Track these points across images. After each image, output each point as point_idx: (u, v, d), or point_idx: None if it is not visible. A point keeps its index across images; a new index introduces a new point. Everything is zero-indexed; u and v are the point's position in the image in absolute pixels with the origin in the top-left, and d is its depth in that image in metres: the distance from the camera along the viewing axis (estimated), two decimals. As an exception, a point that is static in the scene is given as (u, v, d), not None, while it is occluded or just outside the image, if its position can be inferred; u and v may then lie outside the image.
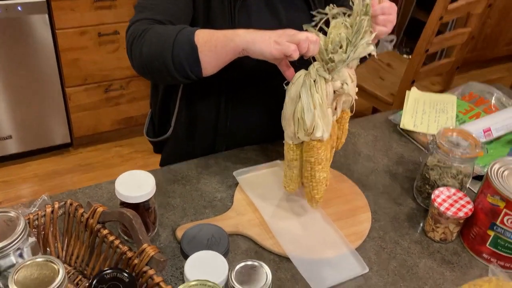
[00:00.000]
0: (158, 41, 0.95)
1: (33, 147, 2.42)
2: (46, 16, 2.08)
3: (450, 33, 2.19)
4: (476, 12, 2.19)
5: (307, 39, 0.83)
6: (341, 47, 0.85)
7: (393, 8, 0.98)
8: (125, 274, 0.71)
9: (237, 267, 0.80)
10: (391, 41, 3.74)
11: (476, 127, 1.22)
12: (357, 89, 0.99)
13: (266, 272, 0.79)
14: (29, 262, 0.67)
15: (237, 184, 1.10)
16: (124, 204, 0.90)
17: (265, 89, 1.15)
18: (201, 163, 1.16)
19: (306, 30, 0.88)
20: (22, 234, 0.72)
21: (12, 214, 0.74)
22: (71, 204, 0.88)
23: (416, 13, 3.54)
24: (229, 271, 0.79)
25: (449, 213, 0.96)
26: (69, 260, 0.89)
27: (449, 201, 0.98)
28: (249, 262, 0.80)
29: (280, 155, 1.10)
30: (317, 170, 0.93)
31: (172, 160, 1.17)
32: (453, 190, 1.01)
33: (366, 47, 0.87)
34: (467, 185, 1.08)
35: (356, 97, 0.99)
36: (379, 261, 0.96)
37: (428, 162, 1.07)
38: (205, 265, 0.79)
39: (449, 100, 1.39)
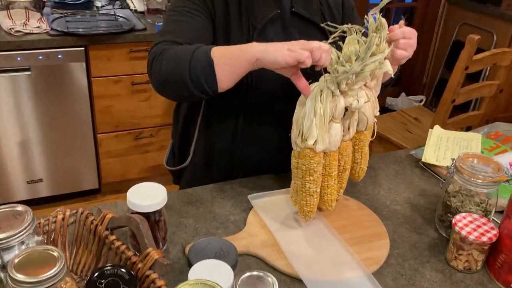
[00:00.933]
0: (176, 57, 1.00)
1: (62, 191, 2.47)
2: (84, 64, 2.20)
3: (476, 85, 2.19)
4: (503, 64, 2.18)
5: (320, 48, 0.85)
6: (350, 61, 0.86)
7: (413, 33, 1.00)
8: (125, 271, 0.70)
9: (243, 276, 0.77)
10: (421, 101, 3.75)
11: (501, 160, 1.18)
12: (378, 113, 0.99)
13: (273, 283, 0.76)
14: (29, 250, 0.67)
15: (251, 208, 1.08)
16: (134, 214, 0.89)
17: (282, 116, 1.15)
18: (217, 188, 1.16)
19: None
20: (29, 227, 0.72)
21: (21, 208, 0.75)
22: (82, 213, 0.89)
23: (445, 74, 3.56)
24: (234, 280, 0.76)
25: (472, 237, 0.91)
26: (76, 269, 0.88)
27: (472, 226, 0.94)
28: (255, 273, 0.78)
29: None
30: (307, 181, 0.92)
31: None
32: (476, 216, 0.96)
33: (379, 64, 0.88)
34: (492, 216, 1.02)
35: (375, 120, 0.99)
36: (396, 286, 0.91)
37: (449, 188, 1.03)
38: (209, 272, 0.77)
39: (473, 138, 1.36)
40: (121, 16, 2.38)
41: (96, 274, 0.69)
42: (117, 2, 2.61)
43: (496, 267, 0.93)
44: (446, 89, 2.12)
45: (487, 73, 3.10)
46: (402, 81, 3.97)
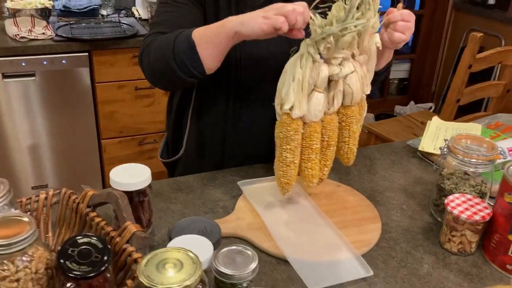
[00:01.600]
0: (161, 46, 1.01)
1: (67, 197, 2.47)
2: (88, 69, 2.23)
3: (481, 84, 2.15)
4: (509, 63, 2.15)
5: (294, 10, 0.84)
6: (331, 25, 0.85)
7: (412, 15, 0.99)
8: (97, 240, 0.68)
9: (222, 250, 0.75)
10: (430, 108, 3.71)
11: (501, 145, 1.14)
12: (368, 91, 0.97)
13: (252, 256, 0.74)
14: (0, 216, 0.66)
15: (241, 194, 1.06)
16: (118, 195, 0.88)
17: (272, 99, 1.15)
18: (208, 176, 1.15)
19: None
20: (4, 197, 0.71)
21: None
22: (65, 193, 0.88)
23: (453, 80, 3.52)
24: (213, 253, 0.74)
25: (464, 216, 0.87)
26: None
27: (465, 205, 0.90)
28: (235, 247, 0.76)
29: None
30: (284, 149, 0.90)
31: (183, 179, 1.17)
32: (469, 196, 0.93)
33: (362, 27, 0.86)
34: (487, 199, 0.99)
35: (364, 95, 0.96)
36: (386, 268, 0.88)
37: (444, 171, 1.01)
38: (189, 246, 0.75)
39: (473, 128, 1.33)
40: (125, 23, 2.41)
41: (68, 242, 0.67)
42: (123, 11, 2.65)
43: (491, 248, 0.90)
44: (450, 89, 2.09)
45: (497, 74, 3.06)
46: (411, 89, 3.94)
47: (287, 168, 0.92)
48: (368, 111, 3.82)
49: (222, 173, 1.16)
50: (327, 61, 0.87)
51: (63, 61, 2.17)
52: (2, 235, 0.62)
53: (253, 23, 0.87)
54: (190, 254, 0.65)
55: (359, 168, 1.21)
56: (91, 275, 0.64)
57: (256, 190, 1.07)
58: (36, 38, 2.15)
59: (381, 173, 1.20)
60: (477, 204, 0.91)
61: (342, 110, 0.93)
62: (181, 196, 1.07)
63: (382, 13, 0.98)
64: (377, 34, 0.92)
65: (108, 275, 0.68)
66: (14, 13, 2.25)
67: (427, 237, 0.97)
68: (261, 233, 0.94)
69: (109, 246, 0.68)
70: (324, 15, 0.88)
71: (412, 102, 3.81)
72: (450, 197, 0.93)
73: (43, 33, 2.18)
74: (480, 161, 0.94)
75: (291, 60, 0.88)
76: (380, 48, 0.93)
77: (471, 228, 0.89)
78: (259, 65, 1.11)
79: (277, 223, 0.97)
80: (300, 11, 0.84)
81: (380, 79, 1.22)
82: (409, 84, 3.96)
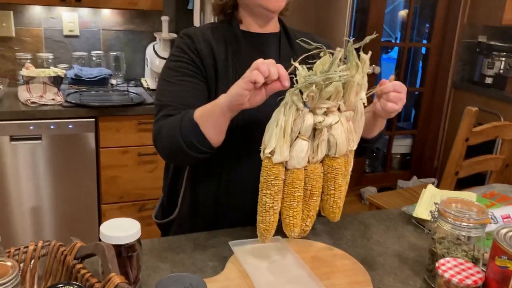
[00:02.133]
0: (169, 133, 1.08)
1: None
2: (93, 134, 2.29)
3: (479, 158, 2.17)
4: (507, 138, 2.18)
5: (264, 62, 0.90)
6: (316, 75, 0.90)
7: (403, 87, 1.04)
8: (77, 287, 0.68)
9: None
10: (433, 183, 3.70)
11: (495, 212, 1.15)
12: (354, 146, 1.00)
13: None
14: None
15: (232, 255, 1.05)
16: (106, 249, 0.88)
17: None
18: (200, 236, 1.14)
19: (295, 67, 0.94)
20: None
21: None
22: (54, 245, 0.88)
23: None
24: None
25: (455, 280, 0.86)
26: (42, 303, 0.86)
27: (456, 269, 0.89)
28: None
29: (283, 233, 1.06)
30: (264, 194, 0.91)
31: (176, 239, 1.17)
32: (461, 261, 0.92)
33: (344, 79, 0.90)
34: (480, 265, 0.97)
35: (350, 149, 0.99)
36: (377, 333, 0.85)
37: (435, 236, 1.00)
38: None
39: (467, 196, 1.33)
40: (133, 92, 2.51)
41: (49, 290, 0.67)
42: (132, 81, 2.76)
43: (485, 315, 0.87)
44: (448, 161, 2.11)
45: (499, 148, 3.08)
46: (413, 164, 3.97)
47: (266, 213, 0.92)
48: (370, 185, 3.82)
49: (214, 233, 1.16)
50: (312, 111, 0.91)
51: (70, 126, 2.23)
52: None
53: (236, 89, 0.94)
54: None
55: (353, 233, 1.20)
56: (68, 323, 0.63)
57: (247, 251, 1.06)
58: (46, 103, 2.23)
59: (375, 238, 1.19)
60: (469, 268, 0.90)
61: (327, 161, 0.95)
62: (171, 255, 1.06)
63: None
64: (363, 92, 0.97)
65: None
66: (28, 81, 2.36)
67: (420, 303, 0.94)
68: (249, 294, 0.92)
69: (89, 295, 0.68)
70: (312, 70, 0.93)
71: (415, 177, 3.82)
72: (441, 261, 0.91)
73: (53, 99, 2.27)
74: (471, 224, 0.94)
75: (278, 108, 0.92)
76: (365, 103, 0.97)
77: (463, 293, 0.87)
78: (256, 128, 1.15)
79: (266, 285, 0.95)
80: (270, 62, 0.91)
81: (372, 148, 1.25)
82: (412, 159, 3.99)
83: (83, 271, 0.80)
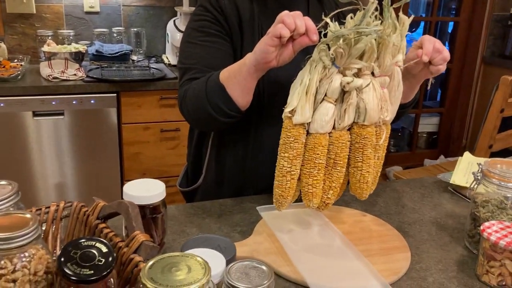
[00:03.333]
0: (194, 96, 1.03)
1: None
2: (115, 110, 2.26)
3: (515, 130, 2.07)
4: (543, 110, 2.07)
5: (289, 14, 0.83)
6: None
7: (441, 44, 0.96)
8: (102, 244, 0.64)
9: (236, 264, 0.69)
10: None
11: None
12: (388, 116, 0.92)
13: (268, 272, 0.68)
14: (3, 212, 0.63)
15: (260, 220, 1.01)
16: (130, 210, 0.85)
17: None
18: (226, 202, 1.10)
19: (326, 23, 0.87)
20: (11, 197, 0.69)
21: (4, 182, 0.72)
22: (77, 205, 0.85)
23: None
24: (226, 267, 0.69)
25: (503, 242, 0.80)
26: (65, 264, 0.83)
27: (503, 232, 0.83)
28: (249, 262, 0.70)
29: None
30: (281, 157, 0.85)
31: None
32: (507, 223, 0.85)
33: (377, 35, 0.83)
34: (529, 229, 0.91)
35: (383, 118, 0.90)
36: (417, 298, 0.80)
37: (477, 199, 0.93)
38: (199, 259, 0.70)
39: (508, 163, 1.25)
40: (154, 68, 2.47)
41: (71, 244, 0.63)
42: (153, 58, 2.73)
43: (535, 280, 0.80)
44: (481, 134, 2.02)
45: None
46: (440, 143, 3.86)
47: (283, 178, 0.86)
48: (396, 164, 3.72)
49: (241, 200, 1.12)
50: (342, 72, 0.84)
51: (92, 101, 2.21)
52: (2, 229, 0.59)
53: (261, 46, 0.88)
54: (199, 259, 0.60)
55: (386, 200, 1.14)
56: (91, 278, 0.59)
57: (276, 216, 1.01)
58: (67, 78, 2.21)
59: (410, 205, 1.13)
60: (517, 231, 0.83)
61: (356, 129, 0.87)
62: (197, 220, 1.02)
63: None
64: (401, 54, 0.89)
65: (112, 281, 0.63)
66: (50, 57, 2.34)
67: (462, 269, 0.88)
68: (279, 258, 0.87)
69: (113, 250, 0.64)
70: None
71: (442, 156, 3.71)
72: (486, 224, 0.85)
73: (75, 74, 2.25)
74: (518, 186, 0.87)
75: (304, 66, 0.86)
76: (402, 67, 0.89)
77: (511, 257, 0.80)
78: (283, 90, 1.09)
79: (297, 248, 0.90)
80: (296, 14, 0.84)
81: (406, 112, 1.18)
82: (439, 138, 3.88)
83: (106, 231, 0.76)
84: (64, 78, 2.21)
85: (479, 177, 0.92)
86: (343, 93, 0.87)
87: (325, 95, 0.86)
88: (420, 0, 6.71)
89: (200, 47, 1.10)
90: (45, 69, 2.27)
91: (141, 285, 0.56)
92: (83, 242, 0.64)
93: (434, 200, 1.15)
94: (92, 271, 0.60)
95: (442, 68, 0.97)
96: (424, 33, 4.01)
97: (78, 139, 2.25)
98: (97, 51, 2.47)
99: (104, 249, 0.64)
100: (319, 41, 0.85)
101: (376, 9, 0.84)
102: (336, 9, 0.90)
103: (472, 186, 0.95)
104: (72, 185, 2.32)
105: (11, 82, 2.13)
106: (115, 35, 2.67)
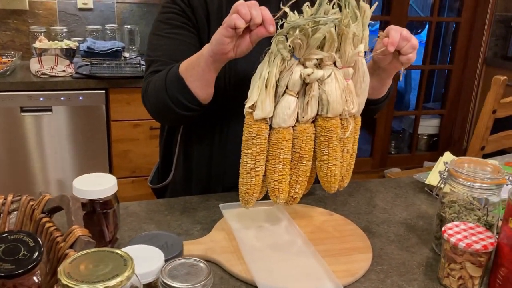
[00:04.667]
0: (155, 88, 1.01)
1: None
2: (104, 107, 2.25)
3: (508, 132, 2.02)
4: (538, 112, 2.02)
5: (244, 4, 0.80)
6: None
7: (408, 32, 0.92)
8: (30, 237, 0.61)
9: (173, 262, 0.67)
10: (460, 165, 3.53)
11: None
12: (354, 109, 0.88)
13: (207, 270, 0.65)
14: None
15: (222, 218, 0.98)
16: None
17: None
18: (192, 199, 1.07)
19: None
20: None
21: None
22: (25, 199, 0.83)
23: (485, 137, 3.37)
24: (163, 265, 0.66)
25: (462, 244, 0.76)
26: (10, 259, 0.80)
27: (465, 233, 0.79)
28: (184, 260, 0.67)
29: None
30: (244, 154, 0.83)
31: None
32: (471, 225, 0.82)
33: (334, 24, 0.79)
34: (495, 233, 0.87)
35: (348, 110, 0.87)
36: (371, 301, 0.76)
37: (445, 199, 0.90)
38: (138, 256, 0.67)
39: (488, 164, 1.21)
40: (144, 65, 2.44)
41: (-3, 238, 0.61)
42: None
43: (497, 285, 0.77)
44: (473, 135, 1.97)
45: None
46: (441, 145, 3.79)
47: (247, 175, 0.83)
48: (395, 166, 3.66)
49: (208, 197, 1.09)
50: (302, 63, 0.81)
51: (80, 98, 2.20)
52: None
53: (217, 36, 0.85)
54: (123, 255, 0.57)
55: (358, 199, 1.11)
56: (12, 274, 0.57)
57: (238, 214, 0.98)
58: (56, 75, 2.20)
59: (382, 205, 1.09)
60: (480, 233, 0.79)
61: (320, 122, 0.84)
62: (157, 217, 0.99)
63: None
64: (362, 45, 0.85)
65: (38, 278, 0.61)
66: (40, 53, 2.33)
67: (424, 272, 0.84)
68: (233, 257, 0.84)
69: (41, 244, 0.61)
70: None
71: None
72: (449, 225, 0.81)
73: (64, 71, 2.23)
74: (485, 185, 0.83)
75: (263, 59, 0.82)
76: (362, 56, 0.86)
77: (471, 259, 0.77)
78: (248, 86, 1.06)
79: (253, 247, 0.87)
80: (251, 4, 0.81)
81: (380, 107, 1.14)
82: (439, 140, 3.82)
83: (48, 225, 0.74)
84: (53, 74, 2.20)
85: (445, 176, 0.89)
86: (305, 85, 0.84)
87: (286, 87, 0.83)
88: (429, 1, 6.64)
89: (166, 39, 1.08)
90: (34, 65, 2.26)
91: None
92: (9, 236, 0.62)
93: (407, 201, 1.12)
94: (13, 266, 0.57)
95: (412, 56, 0.92)
96: (428, 34, 3.95)
97: (66, 135, 2.24)
98: (88, 47, 2.46)
99: (32, 243, 0.61)
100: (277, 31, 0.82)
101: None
102: None
103: (438, 185, 0.91)
104: (58, 183, 2.31)
105: (-1, 78, 2.13)
106: (108, 32, 2.66)
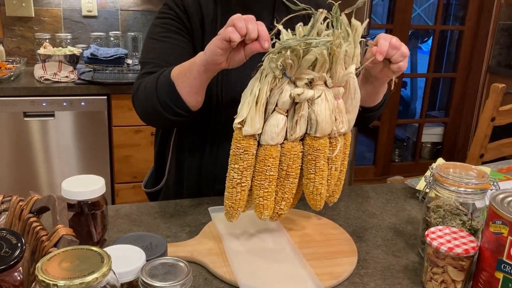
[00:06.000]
0: (145, 90, 1.02)
1: (76, 241, 2.44)
2: (106, 113, 2.27)
3: (507, 140, 2.02)
4: (538, 120, 2.01)
5: (241, 17, 0.80)
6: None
7: (398, 39, 0.92)
8: (12, 236, 0.63)
9: (154, 261, 0.68)
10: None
11: (508, 185, 1.03)
12: (343, 129, 0.87)
13: (187, 270, 0.66)
14: None
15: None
16: (68, 206, 0.84)
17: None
18: (183, 203, 1.09)
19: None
20: None
21: None
22: (16, 199, 0.84)
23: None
24: (144, 265, 0.67)
25: (444, 248, 0.76)
26: (-2, 258, 0.82)
27: (447, 237, 0.79)
28: (164, 260, 0.68)
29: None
30: (231, 168, 0.82)
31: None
32: (455, 229, 0.82)
33: (325, 46, 0.79)
34: (480, 238, 0.87)
35: (337, 129, 0.86)
36: (353, 304, 0.77)
37: (430, 204, 0.90)
38: (120, 256, 0.68)
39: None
40: (147, 71, 2.47)
41: (-20, 236, 0.63)
42: (149, 62, 2.74)
43: (479, 289, 0.77)
44: (472, 143, 1.97)
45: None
46: (445, 154, 3.78)
47: (233, 189, 0.84)
48: (398, 174, 3.66)
49: (199, 200, 1.10)
50: (293, 81, 0.81)
51: (82, 103, 2.22)
52: None
53: (211, 46, 0.86)
54: (102, 253, 0.58)
55: (348, 204, 1.11)
56: (-7, 270, 0.58)
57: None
58: (59, 80, 2.23)
59: (371, 210, 1.10)
60: (463, 237, 0.80)
61: (308, 141, 0.83)
62: (147, 219, 1.01)
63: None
64: (353, 65, 0.85)
65: (20, 275, 0.62)
66: (45, 59, 2.37)
67: (409, 276, 0.85)
68: (219, 259, 0.85)
69: (23, 241, 0.63)
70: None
71: (445, 167, 3.64)
72: (432, 229, 0.82)
73: (67, 77, 2.27)
74: (469, 190, 0.84)
75: (255, 75, 0.83)
76: (354, 78, 0.86)
77: (453, 263, 0.77)
78: (239, 97, 1.08)
79: (238, 250, 0.88)
80: (249, 18, 0.81)
81: (376, 115, 1.15)
82: (443, 148, 3.81)
83: (34, 224, 0.75)
84: (56, 80, 2.23)
85: (430, 181, 0.89)
86: (295, 104, 0.83)
87: (276, 105, 0.82)
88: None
89: (160, 43, 1.09)
90: (38, 71, 2.29)
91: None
92: (-7, 233, 0.63)
93: (398, 206, 1.12)
94: (-6, 263, 0.59)
95: (403, 65, 0.91)
96: (433, 43, 3.95)
97: (68, 140, 2.27)
98: (91, 54, 2.49)
99: (14, 241, 0.63)
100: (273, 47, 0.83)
101: (326, 17, 0.82)
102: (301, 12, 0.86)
103: (424, 190, 0.92)
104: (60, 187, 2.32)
105: (3, 83, 2.16)
106: (112, 39, 2.69)
